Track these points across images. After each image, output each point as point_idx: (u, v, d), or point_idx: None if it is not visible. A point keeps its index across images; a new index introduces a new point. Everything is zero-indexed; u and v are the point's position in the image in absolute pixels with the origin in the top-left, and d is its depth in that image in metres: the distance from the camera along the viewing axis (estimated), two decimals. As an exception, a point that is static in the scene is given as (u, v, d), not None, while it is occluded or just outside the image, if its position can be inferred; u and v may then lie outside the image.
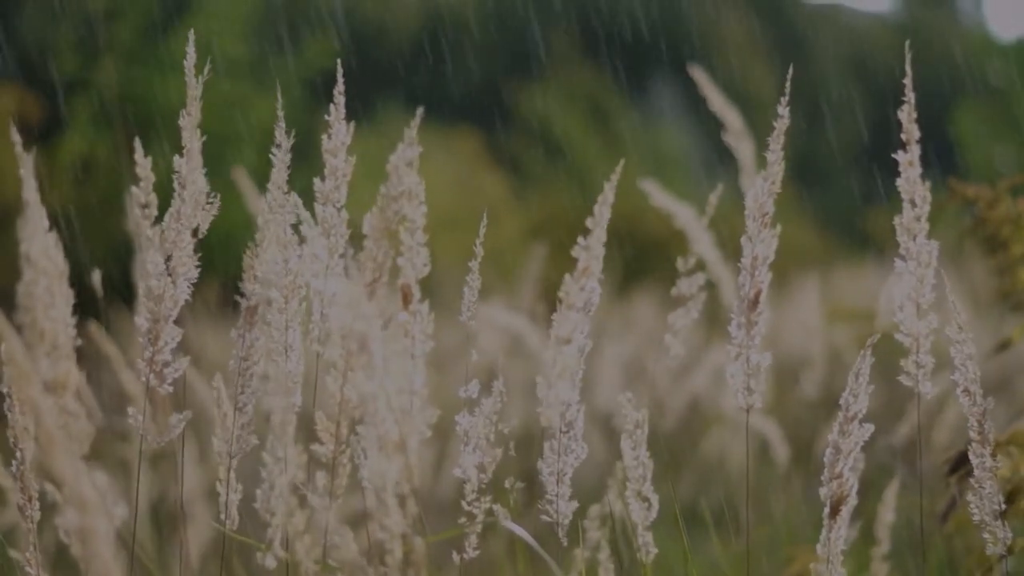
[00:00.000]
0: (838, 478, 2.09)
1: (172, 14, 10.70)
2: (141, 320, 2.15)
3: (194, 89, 2.17)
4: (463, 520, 2.08)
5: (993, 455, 2.12)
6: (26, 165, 2.59)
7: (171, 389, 2.15)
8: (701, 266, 3.33)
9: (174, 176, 2.16)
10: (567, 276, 2.30)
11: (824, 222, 17.83)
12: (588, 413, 2.57)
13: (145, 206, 2.25)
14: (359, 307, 1.89)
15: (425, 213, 2.23)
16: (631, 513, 2.27)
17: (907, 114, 2.15)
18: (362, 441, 2.04)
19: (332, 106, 2.17)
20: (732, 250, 2.23)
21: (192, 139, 2.16)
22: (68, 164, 9.76)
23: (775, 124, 2.15)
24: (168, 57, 10.18)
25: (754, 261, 2.16)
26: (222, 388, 2.16)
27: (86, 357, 2.74)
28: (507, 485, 2.12)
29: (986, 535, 2.12)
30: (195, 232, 2.16)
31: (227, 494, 2.14)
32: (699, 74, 3.75)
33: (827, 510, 2.10)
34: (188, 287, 2.15)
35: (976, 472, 2.12)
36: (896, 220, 2.15)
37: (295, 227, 2.17)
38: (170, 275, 2.15)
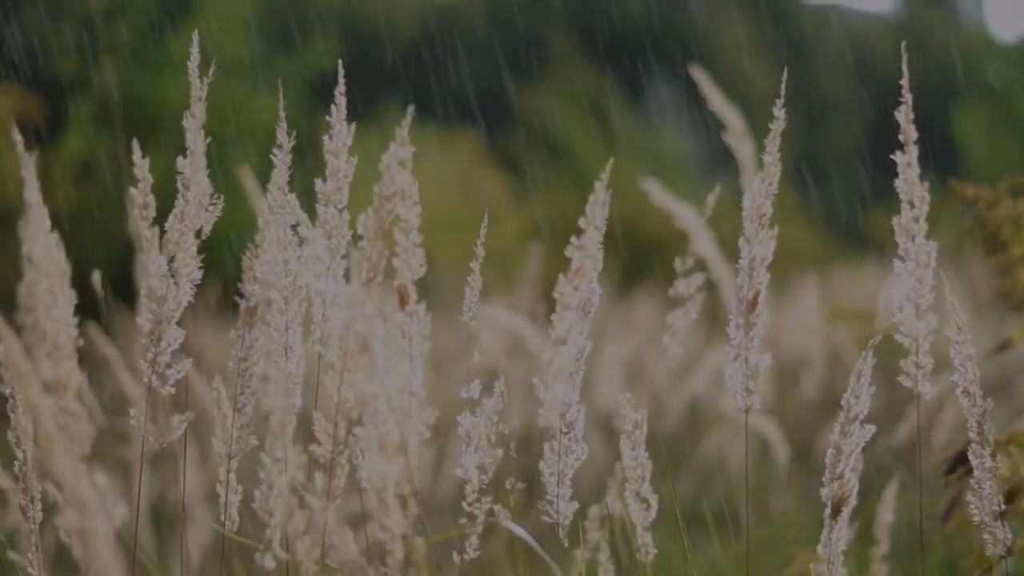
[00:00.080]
0: (839, 479, 2.09)
1: (172, 14, 10.69)
2: (143, 321, 2.14)
3: (198, 90, 2.16)
4: (463, 520, 2.08)
5: (993, 456, 2.12)
6: (28, 166, 2.59)
7: (173, 391, 2.14)
8: (701, 266, 3.33)
9: (178, 177, 2.15)
10: (561, 276, 2.30)
11: (824, 222, 17.82)
12: (588, 413, 2.57)
13: (144, 207, 2.24)
14: (360, 307, 1.90)
15: (420, 213, 2.23)
16: (630, 514, 2.27)
17: (904, 115, 2.15)
18: (360, 442, 2.04)
19: (333, 107, 2.17)
20: (734, 250, 2.23)
21: (196, 140, 2.15)
22: (69, 165, 9.76)
23: (771, 126, 2.15)
24: (168, 58, 10.18)
25: (752, 263, 2.17)
26: (222, 389, 2.16)
27: (87, 358, 2.74)
28: (508, 486, 2.12)
29: (986, 535, 2.13)
30: (198, 233, 2.16)
31: (227, 495, 2.14)
32: (699, 74, 3.76)
33: (828, 511, 2.10)
34: (191, 289, 2.15)
35: (976, 472, 2.12)
36: (895, 221, 2.15)
37: (295, 228, 2.17)
38: (173, 276, 2.14)
